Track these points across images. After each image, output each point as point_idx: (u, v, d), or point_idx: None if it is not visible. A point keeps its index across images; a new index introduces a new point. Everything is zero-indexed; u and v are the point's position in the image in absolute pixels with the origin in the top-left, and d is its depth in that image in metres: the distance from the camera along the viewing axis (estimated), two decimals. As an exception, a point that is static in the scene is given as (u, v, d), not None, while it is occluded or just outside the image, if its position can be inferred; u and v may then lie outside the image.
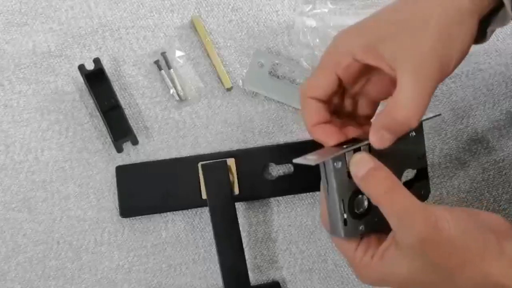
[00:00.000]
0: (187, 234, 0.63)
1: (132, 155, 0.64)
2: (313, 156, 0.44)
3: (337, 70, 0.47)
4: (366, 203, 0.46)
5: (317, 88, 0.48)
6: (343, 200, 0.45)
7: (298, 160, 0.44)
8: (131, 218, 0.63)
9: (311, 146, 0.62)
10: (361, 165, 0.44)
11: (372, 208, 0.45)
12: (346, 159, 0.45)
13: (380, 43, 0.44)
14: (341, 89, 0.49)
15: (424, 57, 0.43)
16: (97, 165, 0.64)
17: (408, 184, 0.49)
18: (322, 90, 0.48)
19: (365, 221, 0.46)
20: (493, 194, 0.63)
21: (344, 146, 0.45)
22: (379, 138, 0.44)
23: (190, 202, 0.62)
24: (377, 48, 0.44)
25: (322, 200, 0.48)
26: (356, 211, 0.46)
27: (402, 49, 0.43)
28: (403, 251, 0.43)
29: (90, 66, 0.64)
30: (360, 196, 0.46)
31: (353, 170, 0.45)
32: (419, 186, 0.50)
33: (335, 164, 0.44)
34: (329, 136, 0.47)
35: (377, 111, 0.51)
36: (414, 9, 0.45)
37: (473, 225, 0.43)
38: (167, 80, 0.65)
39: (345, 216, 0.45)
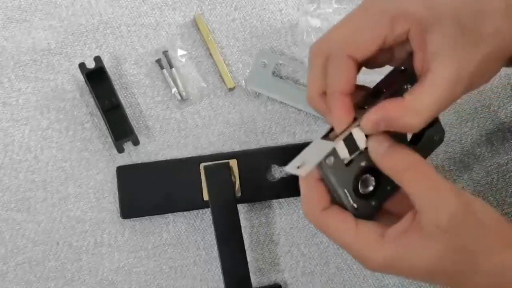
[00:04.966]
0: (188, 235, 0.62)
1: (133, 155, 0.63)
2: (301, 161, 0.42)
3: (387, 30, 0.40)
4: (373, 181, 0.44)
5: (362, 43, 0.41)
6: (347, 189, 0.43)
7: (288, 169, 0.42)
8: (131, 219, 0.62)
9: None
10: (382, 141, 0.42)
11: (382, 183, 0.44)
12: (337, 149, 0.43)
13: (434, 22, 0.40)
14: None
15: (464, 73, 0.40)
16: (98, 165, 0.63)
17: (418, 135, 0.47)
18: (368, 46, 0.40)
19: (377, 197, 0.44)
20: (497, 197, 0.62)
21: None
22: (373, 127, 0.41)
23: (192, 203, 0.62)
24: (427, 22, 0.40)
25: (302, 184, 0.44)
26: (362, 191, 0.44)
27: (449, 50, 0.39)
28: (427, 233, 0.39)
29: (90, 64, 0.63)
30: (365, 176, 0.44)
31: (373, 146, 0.42)
32: (431, 132, 0.47)
33: (327, 161, 0.42)
34: (348, 112, 0.42)
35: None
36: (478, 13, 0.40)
37: (500, 214, 0.41)
38: (169, 79, 0.64)
39: (355, 205, 0.44)
